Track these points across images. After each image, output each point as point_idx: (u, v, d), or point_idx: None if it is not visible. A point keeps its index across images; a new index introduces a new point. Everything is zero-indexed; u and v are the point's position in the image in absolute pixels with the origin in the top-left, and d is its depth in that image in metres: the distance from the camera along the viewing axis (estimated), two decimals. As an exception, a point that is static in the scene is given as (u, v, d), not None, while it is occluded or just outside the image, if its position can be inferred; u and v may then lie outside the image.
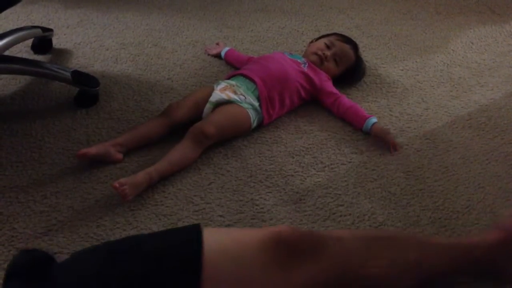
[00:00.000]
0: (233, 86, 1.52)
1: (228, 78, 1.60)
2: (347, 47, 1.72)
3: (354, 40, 1.80)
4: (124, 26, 2.10)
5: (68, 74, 1.54)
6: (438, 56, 1.98)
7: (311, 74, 1.61)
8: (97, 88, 1.58)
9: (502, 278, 0.99)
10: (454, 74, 1.86)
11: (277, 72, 1.56)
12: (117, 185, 1.20)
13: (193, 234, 0.77)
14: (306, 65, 1.63)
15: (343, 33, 1.83)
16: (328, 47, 1.70)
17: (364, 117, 1.52)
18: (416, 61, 1.94)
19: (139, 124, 1.48)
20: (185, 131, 1.40)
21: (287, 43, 2.04)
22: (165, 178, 1.32)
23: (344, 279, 0.82)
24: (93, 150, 1.33)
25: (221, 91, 1.50)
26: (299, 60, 1.64)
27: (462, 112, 1.64)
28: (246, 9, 2.32)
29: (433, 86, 1.78)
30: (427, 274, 0.93)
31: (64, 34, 2.01)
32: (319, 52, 1.67)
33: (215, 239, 0.76)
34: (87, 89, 1.57)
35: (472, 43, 2.09)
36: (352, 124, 1.54)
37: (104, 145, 1.36)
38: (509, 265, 0.97)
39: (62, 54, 1.89)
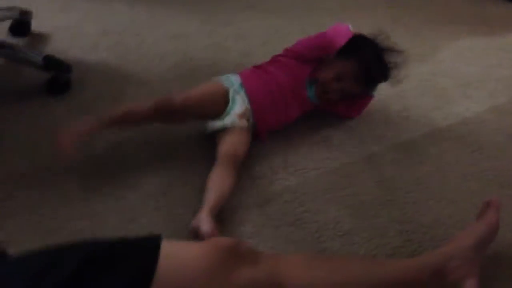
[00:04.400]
0: (248, 110, 1.39)
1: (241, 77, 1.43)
2: (356, 86, 1.46)
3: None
4: (107, 13, 2.05)
5: (39, 59, 1.49)
6: (424, 65, 1.94)
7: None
8: (69, 75, 1.54)
9: None
10: (439, 84, 1.82)
11: (279, 117, 1.43)
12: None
13: (152, 242, 0.79)
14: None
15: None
16: (337, 79, 1.43)
17: None
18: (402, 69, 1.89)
19: (129, 107, 1.32)
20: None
21: (272, 42, 1.99)
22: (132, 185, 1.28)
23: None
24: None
25: (239, 118, 1.37)
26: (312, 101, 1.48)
27: (443, 123, 1.60)
28: (233, 6, 2.28)
29: (416, 95, 1.74)
30: None
31: (45, 18, 1.96)
32: (324, 89, 1.45)
33: (171, 250, 0.79)
34: (58, 75, 1.52)
35: (461, 53, 2.06)
36: None
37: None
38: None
39: (39, 38, 1.84)
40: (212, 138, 1.38)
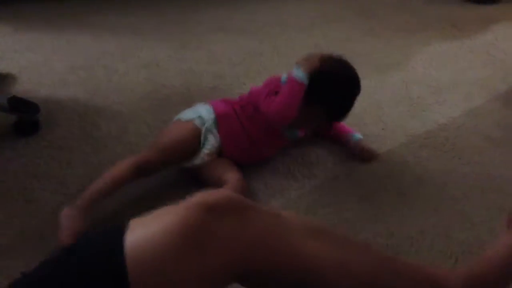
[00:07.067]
0: (218, 147, 1.36)
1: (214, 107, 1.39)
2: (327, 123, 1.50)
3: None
4: (75, 49, 2.03)
5: (4, 101, 1.46)
6: (397, 74, 1.95)
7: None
8: (37, 115, 1.50)
9: None
10: (413, 92, 1.82)
11: (252, 158, 1.42)
12: None
13: (116, 240, 0.70)
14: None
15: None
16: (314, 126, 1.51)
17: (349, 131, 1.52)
18: (375, 80, 1.90)
19: (110, 177, 1.24)
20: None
21: (244, 63, 1.98)
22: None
23: (271, 251, 0.73)
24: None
25: (208, 156, 1.34)
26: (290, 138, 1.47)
27: (420, 131, 1.60)
28: (204, 29, 2.27)
29: (391, 105, 1.74)
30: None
31: (11, 59, 1.93)
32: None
33: (139, 236, 0.70)
34: (25, 116, 1.49)
35: (432, 59, 2.07)
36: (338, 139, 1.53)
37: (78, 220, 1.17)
38: None
39: (7, 79, 1.80)
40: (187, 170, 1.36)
